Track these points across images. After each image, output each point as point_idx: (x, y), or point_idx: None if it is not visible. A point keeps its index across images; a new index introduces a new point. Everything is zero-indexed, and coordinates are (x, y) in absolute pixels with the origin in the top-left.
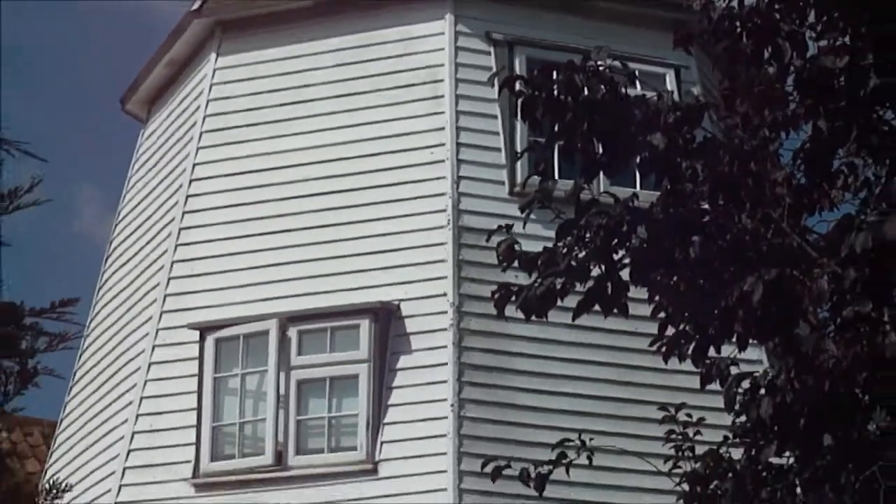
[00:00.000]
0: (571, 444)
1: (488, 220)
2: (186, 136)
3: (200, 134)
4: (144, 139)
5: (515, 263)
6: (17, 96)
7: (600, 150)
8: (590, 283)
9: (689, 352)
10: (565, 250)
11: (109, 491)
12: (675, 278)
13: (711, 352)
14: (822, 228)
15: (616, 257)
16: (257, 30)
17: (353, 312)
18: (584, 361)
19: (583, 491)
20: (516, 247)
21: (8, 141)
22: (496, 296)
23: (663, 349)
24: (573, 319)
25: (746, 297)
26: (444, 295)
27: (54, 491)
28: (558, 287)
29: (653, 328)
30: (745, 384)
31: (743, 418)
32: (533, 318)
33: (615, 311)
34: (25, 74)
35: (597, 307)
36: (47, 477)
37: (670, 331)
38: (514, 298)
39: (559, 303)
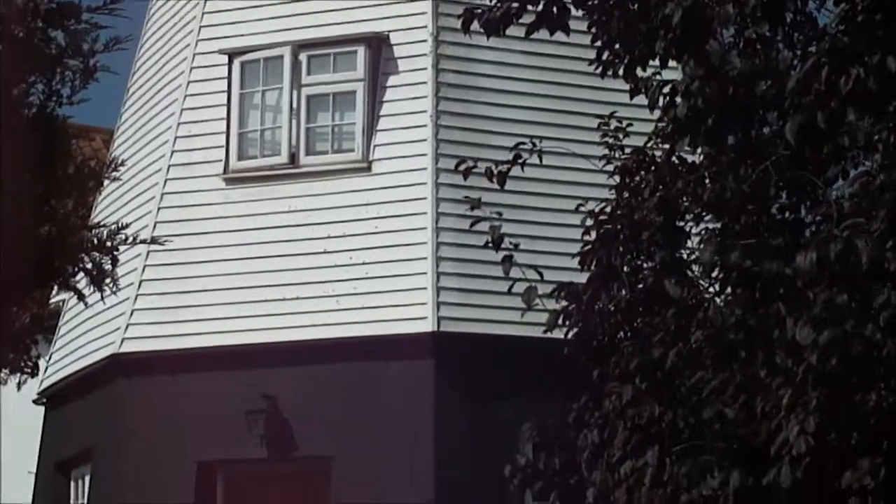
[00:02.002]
0: (526, 146)
1: None
2: None
3: None
4: None
5: None
6: None
7: None
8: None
9: (622, 70)
10: None
11: (157, 184)
12: (608, 3)
13: (639, 72)
14: None
15: None
16: None
17: (352, 41)
18: (537, 81)
19: (536, 185)
20: None
21: None
22: (462, 18)
23: (601, 68)
24: (526, 36)
25: (667, 19)
26: (425, 27)
27: (114, 165)
28: (514, 10)
29: (591, 54)
30: (666, 90)
31: (663, 123)
32: (495, 41)
33: (560, 31)
34: None
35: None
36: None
37: (606, 55)
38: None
39: (516, 30)
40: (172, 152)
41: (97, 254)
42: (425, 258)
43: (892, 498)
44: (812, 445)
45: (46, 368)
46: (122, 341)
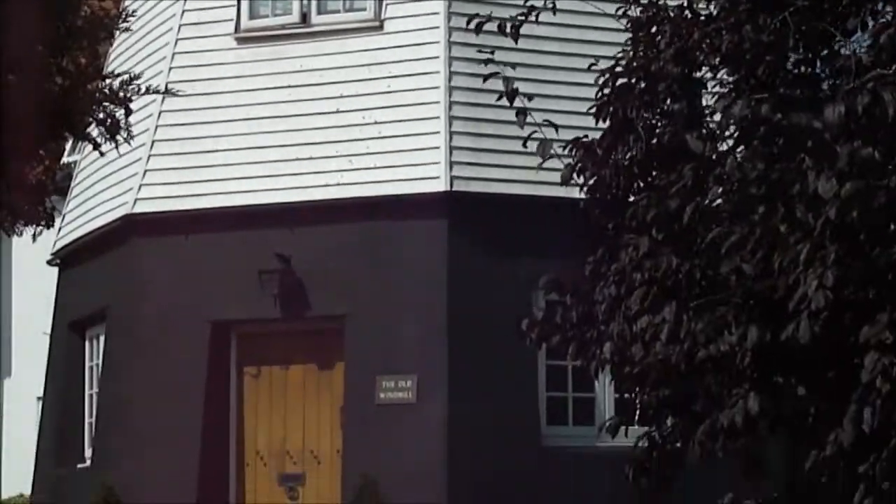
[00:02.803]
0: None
1: None
2: None
3: None
4: None
5: None
6: None
7: None
8: None
9: None
10: None
11: (168, 44)
12: None
13: None
14: None
15: None
16: None
17: None
18: None
19: (549, 43)
20: None
21: None
22: None
23: None
24: None
25: None
26: None
27: (125, 15)
28: None
29: None
30: None
31: None
32: None
33: None
34: None
35: None
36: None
37: None
38: None
39: None
40: (183, 11)
41: (110, 104)
42: (438, 118)
43: None
44: (830, 300)
45: (60, 229)
46: (135, 202)
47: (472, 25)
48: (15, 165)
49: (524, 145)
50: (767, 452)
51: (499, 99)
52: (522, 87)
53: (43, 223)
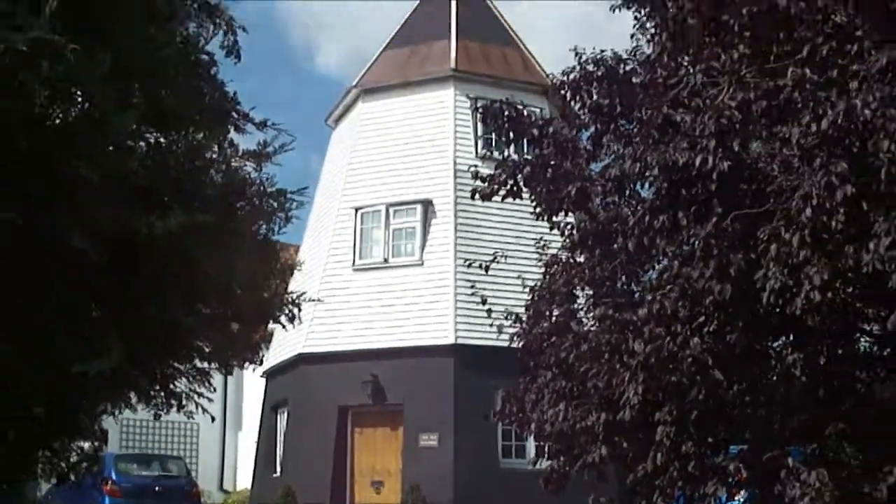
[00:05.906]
0: (498, 253)
1: None
2: None
3: None
4: None
5: None
6: None
7: None
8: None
9: (545, 217)
10: None
11: (319, 273)
12: (539, 188)
13: (554, 218)
14: None
15: None
16: None
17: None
18: (505, 223)
19: (507, 268)
20: None
21: None
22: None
23: (536, 215)
24: (501, 200)
25: (567, 194)
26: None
27: (299, 265)
28: (494, 189)
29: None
30: (567, 228)
31: (566, 243)
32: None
33: (516, 197)
34: None
35: None
36: None
37: (538, 209)
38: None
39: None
40: (328, 258)
41: (291, 306)
42: (448, 313)
43: (680, 424)
44: (640, 400)
45: (266, 360)
46: (303, 346)
47: (467, 264)
48: (246, 335)
49: (490, 326)
50: (609, 473)
51: (483, 302)
52: (492, 286)
53: (258, 361)
